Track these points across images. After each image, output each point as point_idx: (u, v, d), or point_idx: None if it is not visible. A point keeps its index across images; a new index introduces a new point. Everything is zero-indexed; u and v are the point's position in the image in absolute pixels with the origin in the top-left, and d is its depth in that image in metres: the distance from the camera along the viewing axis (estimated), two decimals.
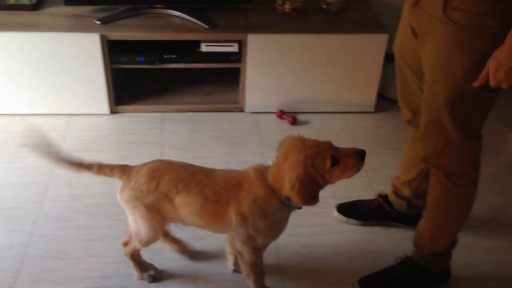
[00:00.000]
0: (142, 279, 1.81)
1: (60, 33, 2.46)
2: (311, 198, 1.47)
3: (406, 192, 1.97)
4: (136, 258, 1.78)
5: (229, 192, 1.56)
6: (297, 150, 1.47)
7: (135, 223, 1.64)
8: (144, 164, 1.64)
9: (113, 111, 2.68)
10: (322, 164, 1.45)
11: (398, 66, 1.71)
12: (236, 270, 1.85)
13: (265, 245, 1.68)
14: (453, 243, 1.77)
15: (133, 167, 1.64)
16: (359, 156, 1.49)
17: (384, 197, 2.07)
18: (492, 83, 1.34)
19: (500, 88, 1.39)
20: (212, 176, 1.59)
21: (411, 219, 2.04)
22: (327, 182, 1.50)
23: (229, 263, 1.87)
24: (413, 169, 1.91)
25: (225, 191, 1.56)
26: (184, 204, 1.57)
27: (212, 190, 1.56)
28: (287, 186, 1.46)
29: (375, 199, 2.07)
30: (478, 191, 1.65)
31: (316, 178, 1.46)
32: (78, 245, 1.93)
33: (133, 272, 1.81)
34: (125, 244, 1.76)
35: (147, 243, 1.68)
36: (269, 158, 1.69)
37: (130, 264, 1.79)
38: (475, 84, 1.38)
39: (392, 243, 2.01)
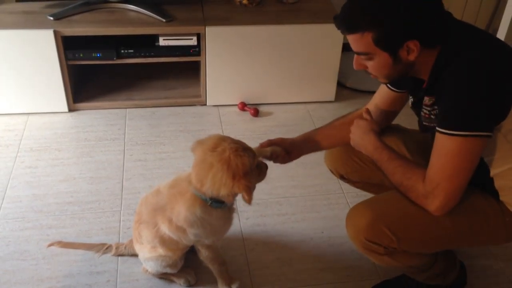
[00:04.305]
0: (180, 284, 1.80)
1: (12, 30, 2.39)
2: (251, 188, 1.43)
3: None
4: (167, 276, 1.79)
5: (157, 213, 1.60)
6: (225, 149, 1.44)
7: None
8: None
9: (71, 109, 2.63)
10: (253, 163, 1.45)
11: None
12: None
13: (215, 242, 1.68)
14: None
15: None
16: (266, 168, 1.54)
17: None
18: None
19: None
20: (149, 202, 1.66)
21: None
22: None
23: None
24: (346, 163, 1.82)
25: (153, 213, 1.62)
26: (148, 239, 1.67)
27: (147, 215, 1.64)
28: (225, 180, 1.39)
29: None
30: None
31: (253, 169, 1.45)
32: (40, 245, 1.90)
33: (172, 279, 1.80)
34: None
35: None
36: None
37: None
38: None
39: None
